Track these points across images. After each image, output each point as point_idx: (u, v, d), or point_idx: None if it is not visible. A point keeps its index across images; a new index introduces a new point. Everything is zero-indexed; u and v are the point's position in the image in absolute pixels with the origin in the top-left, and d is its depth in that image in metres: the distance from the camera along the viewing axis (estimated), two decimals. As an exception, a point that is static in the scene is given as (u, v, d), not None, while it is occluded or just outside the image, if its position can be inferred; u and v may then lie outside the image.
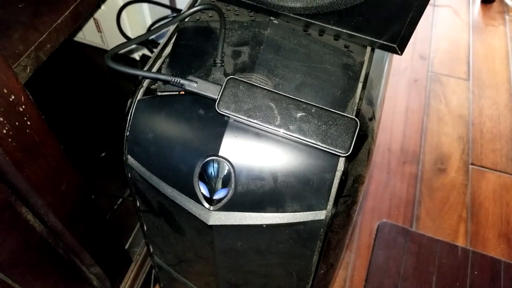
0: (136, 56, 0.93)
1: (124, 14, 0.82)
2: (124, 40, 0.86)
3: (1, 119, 0.36)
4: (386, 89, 0.52)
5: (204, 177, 0.39)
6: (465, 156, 1.04)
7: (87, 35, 0.91)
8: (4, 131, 0.37)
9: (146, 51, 0.92)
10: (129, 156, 0.44)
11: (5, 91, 0.37)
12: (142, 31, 0.87)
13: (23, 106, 0.39)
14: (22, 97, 0.38)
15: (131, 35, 0.85)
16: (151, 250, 0.57)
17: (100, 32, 0.88)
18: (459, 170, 1.02)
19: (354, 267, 0.86)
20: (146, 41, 0.89)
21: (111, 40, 0.89)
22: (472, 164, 1.03)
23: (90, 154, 0.83)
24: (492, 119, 1.12)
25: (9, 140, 0.38)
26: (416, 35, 1.32)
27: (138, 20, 0.85)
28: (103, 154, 0.84)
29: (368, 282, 0.83)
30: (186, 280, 0.58)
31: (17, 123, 0.38)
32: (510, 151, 1.05)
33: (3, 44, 0.41)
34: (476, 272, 0.85)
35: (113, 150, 0.84)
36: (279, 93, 0.38)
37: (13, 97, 0.37)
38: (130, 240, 0.75)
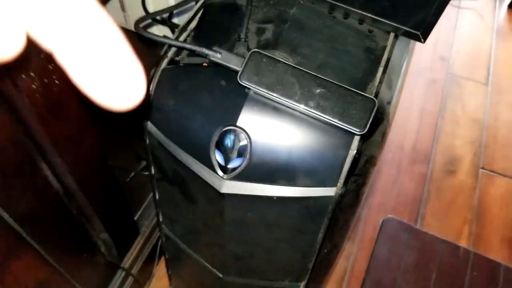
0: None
1: (149, -8, 0.83)
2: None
3: (32, 74, 0.38)
4: (405, 78, 0.52)
5: (221, 146, 0.40)
6: (476, 159, 1.04)
7: (111, 14, 0.92)
8: (34, 86, 0.38)
9: (168, 32, 0.93)
10: (148, 123, 0.46)
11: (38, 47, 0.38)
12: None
13: (53, 64, 0.40)
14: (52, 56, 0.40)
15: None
16: (161, 219, 0.59)
17: (124, 11, 0.89)
18: (469, 173, 1.02)
19: (356, 258, 0.87)
20: (168, 23, 0.90)
21: (134, 20, 0.90)
22: (482, 168, 1.03)
23: (107, 127, 0.85)
24: (507, 125, 1.11)
25: (37, 95, 0.39)
26: (438, 36, 1.31)
27: (162, 1, 0.86)
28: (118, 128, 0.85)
29: (368, 274, 0.84)
30: (192, 251, 0.59)
31: (45, 80, 0.40)
32: (522, 159, 1.05)
33: None
34: (475, 273, 0.86)
35: (129, 127, 0.86)
36: (300, 69, 0.39)
37: (44, 54, 0.39)
38: (139, 213, 0.77)
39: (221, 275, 0.57)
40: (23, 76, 0.37)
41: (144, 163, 0.83)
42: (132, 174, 0.79)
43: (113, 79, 0.13)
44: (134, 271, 0.72)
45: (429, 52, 1.26)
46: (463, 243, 0.91)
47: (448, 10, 1.36)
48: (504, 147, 1.07)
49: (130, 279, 0.71)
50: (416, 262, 0.87)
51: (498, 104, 1.16)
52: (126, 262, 0.70)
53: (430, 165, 1.02)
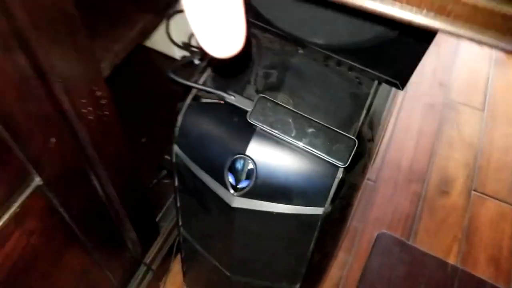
0: (177, 56, 1.06)
1: (172, 21, 0.95)
2: (170, 43, 0.99)
3: (91, 109, 0.49)
4: (390, 119, 0.62)
5: (233, 169, 0.51)
6: (469, 182, 1.12)
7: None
8: (91, 117, 0.50)
9: (186, 53, 1.05)
10: (175, 146, 0.56)
11: (94, 88, 0.49)
12: (186, 38, 1.00)
13: (105, 100, 0.51)
14: (105, 93, 0.51)
15: (177, 41, 0.98)
16: (180, 223, 0.70)
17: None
18: (462, 194, 1.10)
19: (350, 268, 0.96)
20: (186, 46, 1.02)
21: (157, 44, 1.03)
22: (474, 190, 1.11)
23: (132, 140, 0.96)
24: (500, 150, 1.19)
25: (93, 124, 0.50)
26: (438, 62, 1.40)
27: (184, 28, 0.98)
28: (143, 140, 0.97)
29: (361, 283, 0.93)
30: (205, 252, 0.70)
31: (98, 112, 0.51)
32: (513, 183, 1.13)
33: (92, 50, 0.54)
34: (461, 288, 0.94)
35: (150, 139, 0.97)
36: (297, 112, 0.49)
37: (99, 93, 0.50)
38: (160, 215, 0.88)
39: (229, 274, 0.67)
40: (84, 110, 0.48)
41: (164, 172, 0.94)
42: (155, 181, 0.91)
43: (221, 30, 0.16)
44: (154, 266, 0.83)
45: (429, 78, 1.35)
46: (451, 260, 0.99)
47: (449, 39, 1.44)
48: (496, 171, 1.15)
49: (150, 273, 0.82)
50: (406, 274, 0.96)
51: (493, 129, 1.24)
52: (148, 258, 0.81)
53: (424, 185, 1.11)
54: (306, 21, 0.55)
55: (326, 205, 0.50)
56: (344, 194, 0.52)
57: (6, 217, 0.44)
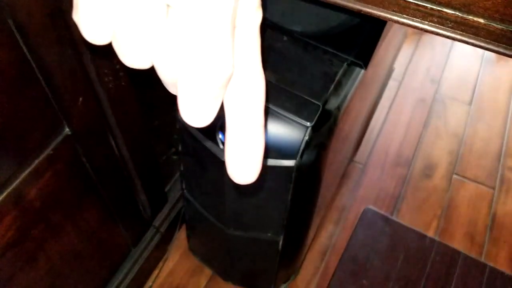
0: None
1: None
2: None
3: (111, 78, 0.62)
4: (359, 96, 0.74)
5: (223, 128, 0.63)
6: (451, 167, 1.22)
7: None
8: (111, 86, 0.63)
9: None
10: (178, 115, 0.69)
11: (115, 61, 0.62)
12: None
13: (122, 73, 0.64)
14: (122, 67, 0.64)
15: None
16: (184, 186, 0.82)
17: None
18: (443, 177, 1.20)
19: (337, 239, 1.07)
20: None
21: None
22: (456, 173, 1.21)
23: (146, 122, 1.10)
24: (483, 140, 1.28)
25: (112, 91, 0.64)
26: (432, 61, 1.50)
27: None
28: (156, 123, 1.11)
29: (346, 251, 1.04)
30: (204, 211, 0.82)
31: (117, 82, 0.64)
32: (492, 168, 1.22)
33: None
34: (437, 258, 1.04)
35: (162, 122, 1.11)
36: (275, 84, 0.62)
37: (118, 66, 0.63)
38: (168, 186, 1.01)
39: (224, 228, 0.79)
40: (106, 78, 0.62)
41: (173, 149, 1.07)
42: (165, 157, 1.04)
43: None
44: (162, 229, 0.96)
45: (422, 75, 1.45)
46: (430, 234, 1.09)
47: (444, 39, 1.54)
48: (478, 158, 1.24)
49: (158, 235, 0.95)
50: (388, 245, 1.06)
51: (478, 121, 1.33)
52: (157, 222, 0.94)
53: (410, 169, 1.21)
54: (286, 12, 0.67)
55: (297, 158, 0.62)
56: (314, 150, 0.64)
57: (42, 156, 0.57)
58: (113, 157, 0.72)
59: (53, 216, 0.64)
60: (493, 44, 0.30)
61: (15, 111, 0.49)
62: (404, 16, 0.34)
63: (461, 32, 0.33)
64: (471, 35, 0.33)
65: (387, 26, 0.63)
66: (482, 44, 0.32)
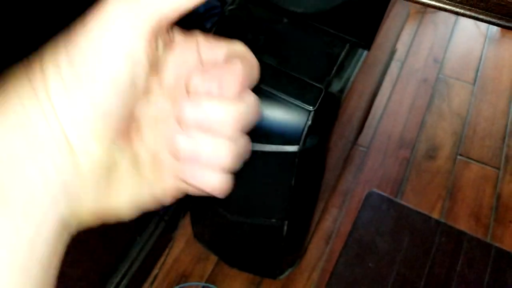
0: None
1: None
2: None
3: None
4: (362, 78, 0.72)
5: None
6: (455, 148, 1.21)
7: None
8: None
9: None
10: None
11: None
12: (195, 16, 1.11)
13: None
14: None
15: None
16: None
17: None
18: (447, 159, 1.19)
19: (341, 222, 1.07)
20: (198, 25, 1.14)
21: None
22: (460, 155, 1.20)
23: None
24: (487, 120, 1.27)
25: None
26: (435, 40, 1.48)
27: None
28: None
29: (351, 234, 1.04)
30: (208, 198, 0.82)
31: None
32: (497, 149, 1.21)
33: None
34: (443, 239, 1.04)
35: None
36: (277, 67, 0.61)
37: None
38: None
39: (228, 215, 0.79)
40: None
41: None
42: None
43: None
44: (166, 217, 0.96)
45: (424, 55, 1.43)
46: (435, 215, 1.09)
47: (447, 18, 1.52)
48: (482, 138, 1.23)
49: (162, 223, 0.95)
50: (393, 227, 1.06)
51: (481, 101, 1.32)
52: (161, 210, 0.94)
53: (413, 151, 1.20)
54: (286, -6, 0.66)
55: (300, 143, 0.61)
56: (316, 134, 0.63)
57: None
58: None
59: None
60: (505, 20, 0.29)
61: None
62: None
63: (469, 7, 0.32)
64: (480, 10, 0.32)
65: (390, 5, 0.62)
66: (493, 20, 0.30)
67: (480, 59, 1.43)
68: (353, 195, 1.11)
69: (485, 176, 1.15)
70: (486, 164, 1.18)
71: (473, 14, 0.34)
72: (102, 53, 0.17)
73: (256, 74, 0.21)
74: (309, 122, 0.60)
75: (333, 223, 1.07)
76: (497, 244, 1.03)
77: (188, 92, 0.20)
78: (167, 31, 0.19)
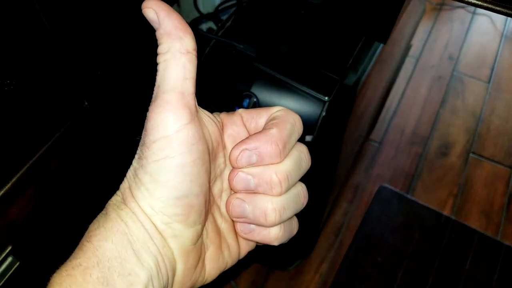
0: (204, 28, 1.18)
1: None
2: (196, 13, 1.12)
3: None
4: (377, 71, 0.72)
5: (240, 104, 0.63)
6: (468, 145, 1.21)
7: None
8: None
9: (212, 25, 1.17)
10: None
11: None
12: (212, 8, 1.12)
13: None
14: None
15: (203, 10, 1.10)
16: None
17: (179, 7, 1.14)
18: (460, 156, 1.18)
19: (352, 216, 1.07)
20: (213, 18, 1.14)
21: (185, 12, 1.15)
22: (473, 152, 1.19)
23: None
24: (501, 119, 1.26)
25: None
26: (450, 38, 1.46)
27: (209, 1, 1.10)
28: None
29: (361, 228, 1.05)
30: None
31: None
32: (510, 147, 1.20)
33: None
34: (453, 236, 1.04)
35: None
36: (293, 58, 0.61)
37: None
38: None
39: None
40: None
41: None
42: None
43: None
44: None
45: (439, 52, 1.42)
46: (446, 212, 1.08)
47: (463, 15, 1.51)
48: (495, 137, 1.22)
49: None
50: (403, 222, 1.06)
51: (496, 99, 1.30)
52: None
53: (426, 147, 1.20)
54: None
55: (314, 133, 0.62)
56: (331, 124, 0.63)
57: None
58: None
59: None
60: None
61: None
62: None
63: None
64: (498, 2, 0.32)
65: (406, 0, 0.62)
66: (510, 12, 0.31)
67: (496, 57, 1.41)
68: (364, 189, 1.12)
69: (497, 174, 1.15)
70: (498, 162, 1.17)
71: (489, 5, 0.34)
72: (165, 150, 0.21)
73: (300, 127, 0.25)
74: (324, 113, 0.60)
75: (343, 217, 1.07)
76: (507, 243, 1.03)
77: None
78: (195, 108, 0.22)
